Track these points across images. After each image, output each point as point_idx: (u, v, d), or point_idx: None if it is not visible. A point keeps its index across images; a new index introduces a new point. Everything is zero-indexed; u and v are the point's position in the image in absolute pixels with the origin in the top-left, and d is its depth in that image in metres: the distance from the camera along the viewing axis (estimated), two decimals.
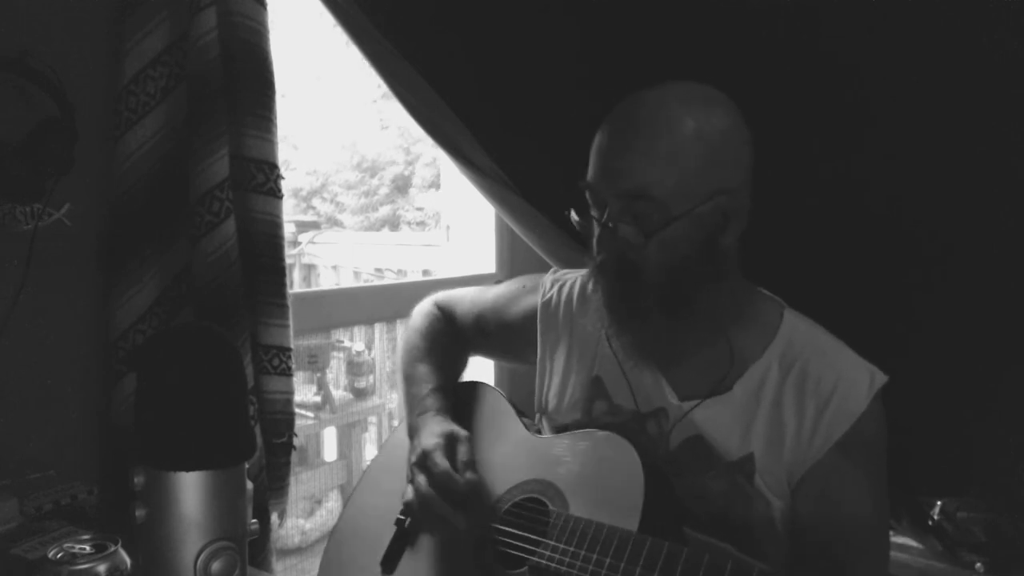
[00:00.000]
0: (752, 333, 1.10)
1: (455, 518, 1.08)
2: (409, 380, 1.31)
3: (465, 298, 1.39)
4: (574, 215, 1.09)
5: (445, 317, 1.39)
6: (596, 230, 1.07)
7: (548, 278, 1.32)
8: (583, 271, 1.29)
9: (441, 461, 1.10)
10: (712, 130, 1.01)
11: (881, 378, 1.05)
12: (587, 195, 1.09)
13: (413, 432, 1.20)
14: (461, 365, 1.38)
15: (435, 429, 1.16)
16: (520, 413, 1.25)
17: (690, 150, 1.01)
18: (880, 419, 1.05)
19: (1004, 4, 1.33)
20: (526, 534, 1.06)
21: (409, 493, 1.13)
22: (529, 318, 1.29)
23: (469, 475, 1.10)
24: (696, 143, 1.01)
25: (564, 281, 1.30)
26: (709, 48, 1.60)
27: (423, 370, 1.30)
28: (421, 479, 1.11)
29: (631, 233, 1.02)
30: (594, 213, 1.07)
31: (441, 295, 1.42)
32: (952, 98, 1.45)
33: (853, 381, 1.04)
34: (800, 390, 1.05)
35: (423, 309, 1.40)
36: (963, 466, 1.56)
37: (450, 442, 1.14)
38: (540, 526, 1.05)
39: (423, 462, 1.12)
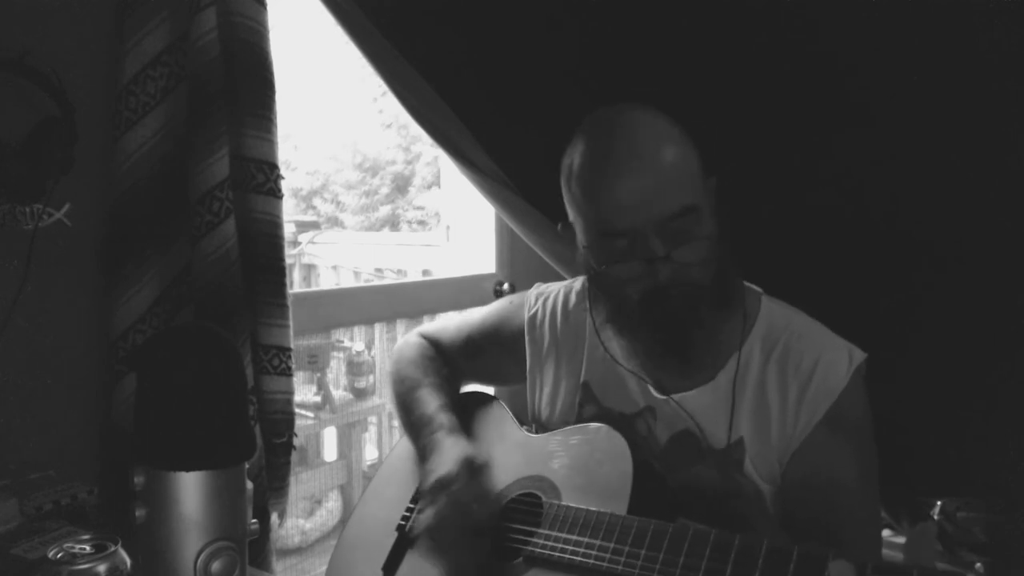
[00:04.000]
0: (734, 322, 1.12)
1: (474, 545, 1.08)
2: (409, 408, 1.29)
3: (449, 326, 1.41)
4: (592, 262, 1.08)
5: (433, 346, 1.38)
6: (632, 267, 1.04)
7: (532, 293, 1.34)
8: (564, 283, 1.32)
9: (464, 490, 1.09)
10: (679, 130, 1.07)
11: (860, 355, 1.07)
12: (593, 234, 1.06)
13: (426, 453, 1.18)
14: (455, 391, 1.37)
15: (452, 454, 1.14)
16: (519, 421, 1.27)
17: (688, 150, 1.05)
18: (862, 395, 1.07)
19: (1002, 4, 1.33)
20: (520, 526, 1.07)
21: (428, 516, 1.10)
22: (518, 334, 1.31)
23: (489, 505, 1.10)
24: (687, 142, 1.06)
25: (547, 295, 1.32)
26: (709, 48, 1.60)
27: (423, 394, 1.28)
28: (443, 502, 1.09)
29: (697, 251, 1.02)
30: (623, 245, 1.04)
31: (425, 327, 1.44)
32: (949, 97, 1.45)
33: (832, 360, 1.06)
34: (782, 372, 1.07)
35: (410, 341, 1.40)
36: (963, 466, 1.56)
37: (469, 469, 1.12)
38: (534, 518, 1.07)
39: (447, 486, 1.10)
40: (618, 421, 1.15)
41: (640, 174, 1.02)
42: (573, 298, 1.28)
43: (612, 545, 0.95)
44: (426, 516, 1.11)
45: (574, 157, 1.08)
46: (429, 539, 1.13)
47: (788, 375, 1.07)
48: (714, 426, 1.09)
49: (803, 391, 1.05)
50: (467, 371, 1.39)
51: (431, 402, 1.26)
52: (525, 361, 1.30)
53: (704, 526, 0.90)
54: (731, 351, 1.11)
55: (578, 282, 1.31)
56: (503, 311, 1.36)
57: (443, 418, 1.22)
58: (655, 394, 1.14)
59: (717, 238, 1.06)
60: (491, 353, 1.35)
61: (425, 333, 1.41)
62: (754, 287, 1.17)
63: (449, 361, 1.37)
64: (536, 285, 1.37)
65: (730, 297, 1.10)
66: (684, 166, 1.04)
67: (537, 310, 1.31)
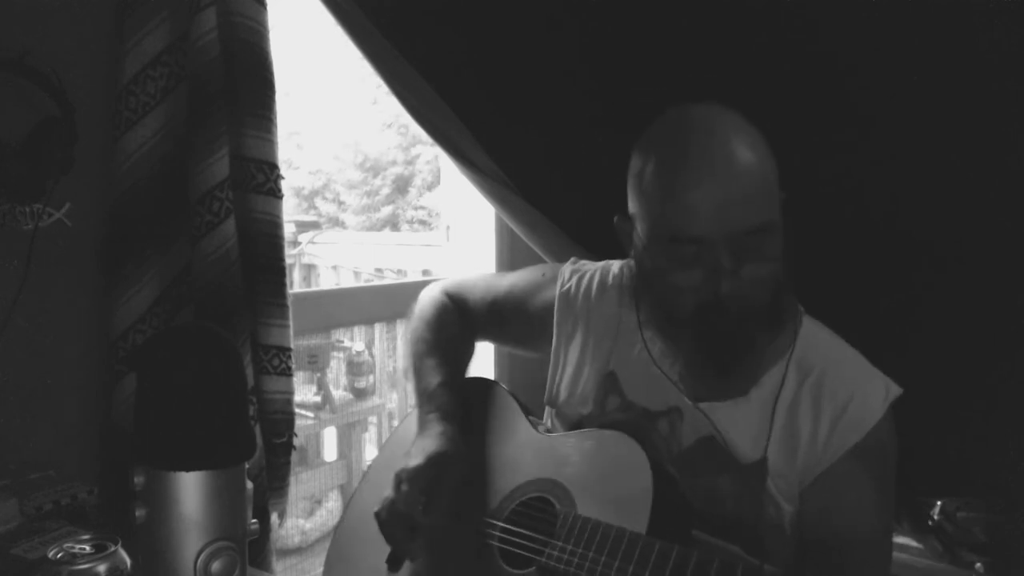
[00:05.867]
0: (779, 343, 1.09)
1: (408, 547, 1.09)
2: (419, 374, 1.28)
3: (477, 285, 1.36)
4: (649, 263, 1.04)
5: (455, 306, 1.35)
6: (694, 276, 0.99)
7: (567, 268, 1.29)
8: (601, 264, 1.28)
9: (410, 498, 1.08)
10: (761, 136, 1.02)
11: (896, 390, 1.05)
12: (658, 237, 1.02)
13: (419, 429, 1.18)
14: (468, 355, 1.35)
15: (429, 445, 1.12)
16: (527, 412, 1.24)
17: (769, 158, 1.00)
18: (891, 431, 1.05)
19: (1002, 4, 1.33)
20: (533, 534, 1.05)
21: (379, 505, 1.11)
22: (547, 308, 1.27)
23: (435, 518, 1.08)
24: (768, 150, 1.01)
25: (583, 272, 1.27)
26: (709, 48, 1.60)
27: (431, 363, 1.27)
28: (389, 498, 1.10)
29: (764, 271, 0.99)
30: (690, 252, 0.98)
31: (450, 283, 1.39)
32: (949, 97, 1.45)
33: (868, 392, 1.04)
34: (816, 398, 1.05)
35: (432, 297, 1.36)
36: (963, 466, 1.56)
37: (438, 466, 1.10)
38: (547, 526, 1.05)
39: (399, 485, 1.09)
40: (641, 417, 1.13)
41: (721, 181, 0.96)
42: (610, 280, 1.24)
43: (631, 568, 0.91)
44: (381, 504, 1.11)
45: (649, 155, 1.03)
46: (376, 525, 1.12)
47: (823, 402, 1.05)
48: (740, 440, 1.07)
49: (836, 421, 1.03)
50: (488, 334, 1.37)
51: (436, 375, 1.24)
52: (549, 336, 1.26)
53: (729, 546, 0.88)
54: (766, 369, 1.08)
55: (615, 265, 1.26)
56: (534, 283, 1.31)
57: (442, 397, 1.21)
58: (684, 398, 1.11)
59: (782, 258, 1.02)
60: (518, 322, 1.31)
61: (449, 291, 1.37)
62: (795, 303, 1.14)
63: (470, 323, 1.34)
64: (572, 260, 1.32)
65: (783, 320, 1.07)
66: (766, 177, 0.99)
67: (571, 286, 1.26)
